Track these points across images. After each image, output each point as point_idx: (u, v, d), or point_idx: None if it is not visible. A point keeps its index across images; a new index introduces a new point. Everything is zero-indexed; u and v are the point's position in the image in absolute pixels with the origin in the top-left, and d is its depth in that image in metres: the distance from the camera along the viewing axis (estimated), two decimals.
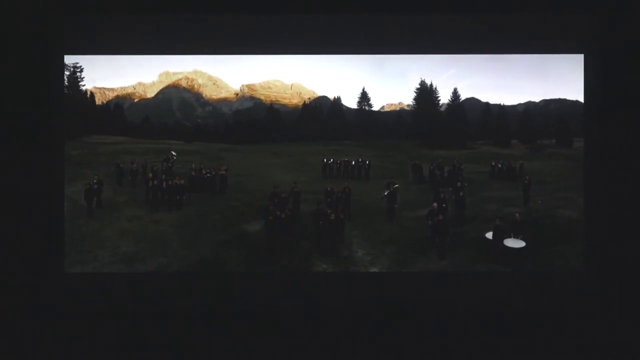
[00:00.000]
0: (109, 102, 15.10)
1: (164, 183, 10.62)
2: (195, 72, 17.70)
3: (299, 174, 12.40)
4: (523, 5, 7.23)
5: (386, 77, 13.30)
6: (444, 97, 14.32)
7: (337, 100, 15.67)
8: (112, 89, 15.62)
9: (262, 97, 17.08)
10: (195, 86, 17.61)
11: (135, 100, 16.59)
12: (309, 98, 16.36)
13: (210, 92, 17.56)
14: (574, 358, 6.61)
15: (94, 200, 10.02)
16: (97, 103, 14.29)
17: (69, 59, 8.74)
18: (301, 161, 13.90)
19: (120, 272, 8.14)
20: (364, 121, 15.31)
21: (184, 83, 17.56)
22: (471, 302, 7.25)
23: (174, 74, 17.39)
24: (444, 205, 9.48)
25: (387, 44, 7.99)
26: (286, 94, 16.94)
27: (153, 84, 16.97)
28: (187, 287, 7.55)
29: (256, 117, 16.42)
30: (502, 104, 14.53)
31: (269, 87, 17.15)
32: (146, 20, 7.59)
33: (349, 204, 10.16)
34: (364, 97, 15.16)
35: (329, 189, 10.36)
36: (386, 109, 15.76)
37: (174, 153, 12.52)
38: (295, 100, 16.70)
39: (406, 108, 15.17)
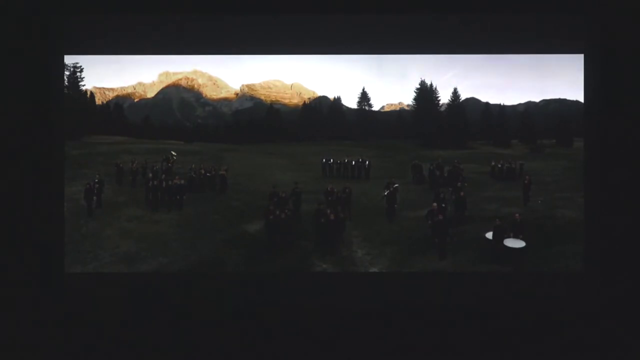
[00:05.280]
0: (109, 102, 15.10)
1: (164, 183, 10.62)
2: (195, 72, 17.69)
3: (299, 174, 12.40)
4: (523, 5, 7.22)
5: (386, 77, 13.30)
6: (444, 97, 14.33)
7: (337, 100, 15.67)
8: (112, 89, 15.62)
9: (262, 97, 17.08)
10: (195, 86, 17.61)
11: (135, 100, 16.60)
12: (309, 98, 16.36)
13: (210, 92, 17.55)
14: (574, 358, 6.61)
15: (94, 200, 10.02)
16: (97, 103, 14.29)
17: (69, 59, 8.74)
18: (301, 161, 13.90)
19: (120, 272, 8.15)
20: (364, 121, 15.31)
21: (184, 83, 17.55)
22: (471, 302, 7.24)
23: (174, 74, 17.39)
24: (443, 205, 9.48)
25: (387, 44, 7.99)
26: (286, 94, 16.93)
27: (153, 84, 16.97)
28: (187, 287, 7.55)
29: (256, 117, 16.42)
30: (502, 104, 14.54)
31: (269, 87, 17.15)
32: (146, 20, 7.59)
33: (349, 204, 10.16)
34: (364, 97, 15.15)
35: (329, 188, 10.36)
36: (386, 109, 15.75)
37: (174, 153, 12.52)
38: (295, 100, 16.70)
39: (406, 108, 15.16)
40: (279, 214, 9.07)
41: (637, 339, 6.68)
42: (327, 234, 8.86)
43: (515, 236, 8.50)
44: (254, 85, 17.25)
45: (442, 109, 14.46)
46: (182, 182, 10.84)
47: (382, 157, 13.81)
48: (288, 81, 16.74)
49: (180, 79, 17.53)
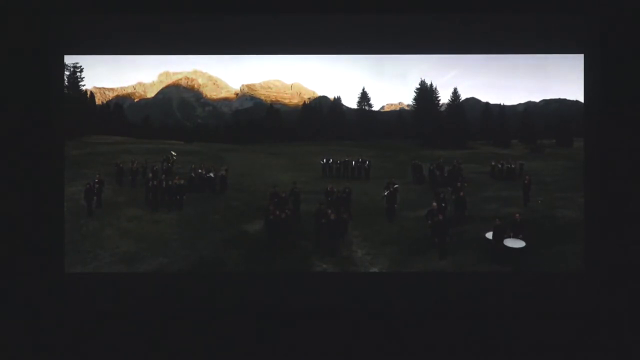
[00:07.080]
0: (109, 102, 15.09)
1: (164, 183, 10.62)
2: (195, 72, 17.69)
3: (299, 174, 12.39)
4: (523, 5, 7.23)
5: (386, 77, 13.28)
6: (444, 97, 14.33)
7: (337, 100, 15.65)
8: (112, 89, 15.61)
9: (262, 97, 17.07)
10: (195, 86, 17.60)
11: (135, 100, 16.59)
12: (309, 98, 16.35)
13: (210, 92, 17.55)
14: (574, 358, 6.61)
15: (94, 200, 10.03)
16: (97, 103, 14.29)
17: (69, 59, 8.75)
18: (301, 161, 13.89)
19: (120, 272, 8.15)
20: (364, 121, 15.30)
21: (184, 83, 17.55)
22: (471, 302, 7.24)
23: (174, 74, 17.38)
24: (443, 205, 9.48)
25: (387, 44, 7.99)
26: (286, 94, 16.93)
27: (153, 84, 16.97)
28: (187, 287, 7.55)
29: (256, 117, 16.42)
30: (502, 104, 14.53)
31: (269, 87, 17.14)
32: (146, 20, 7.59)
33: (349, 204, 10.16)
34: (364, 97, 15.14)
35: (328, 188, 10.36)
36: (386, 109, 15.75)
37: (174, 153, 12.52)
38: (295, 100, 16.69)
39: (406, 108, 15.16)
40: (279, 214, 9.07)
41: (637, 339, 6.67)
42: (328, 234, 8.86)
43: (515, 236, 8.49)
44: (254, 85, 17.24)
45: (442, 109, 14.46)
46: (182, 182, 10.84)
47: (382, 157, 13.80)
48: (288, 81, 16.74)
49: (180, 79, 17.53)
